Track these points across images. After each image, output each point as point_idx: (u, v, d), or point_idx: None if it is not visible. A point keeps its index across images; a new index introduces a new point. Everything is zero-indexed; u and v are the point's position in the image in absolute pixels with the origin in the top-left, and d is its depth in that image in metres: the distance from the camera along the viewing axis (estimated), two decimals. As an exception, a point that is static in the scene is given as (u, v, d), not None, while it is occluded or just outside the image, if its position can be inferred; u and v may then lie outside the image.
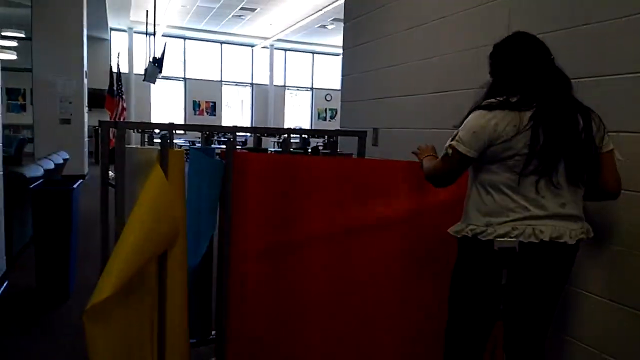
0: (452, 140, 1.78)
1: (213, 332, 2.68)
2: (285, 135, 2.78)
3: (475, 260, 1.80)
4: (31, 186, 3.77)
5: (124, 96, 10.94)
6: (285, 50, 18.64)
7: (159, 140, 2.35)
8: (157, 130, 2.57)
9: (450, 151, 1.78)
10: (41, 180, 4.35)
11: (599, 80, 2.08)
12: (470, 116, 1.76)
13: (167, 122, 2.58)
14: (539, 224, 1.69)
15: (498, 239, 1.70)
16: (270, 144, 13.09)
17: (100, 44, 14.99)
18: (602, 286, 2.09)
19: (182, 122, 16.91)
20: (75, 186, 3.75)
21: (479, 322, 1.87)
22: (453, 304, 1.92)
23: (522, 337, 1.88)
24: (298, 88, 19.37)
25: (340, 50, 4.56)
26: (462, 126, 1.76)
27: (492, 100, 1.73)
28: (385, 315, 2.45)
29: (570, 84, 1.75)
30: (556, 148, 1.66)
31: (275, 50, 18.36)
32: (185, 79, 17.53)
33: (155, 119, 16.23)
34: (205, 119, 17.59)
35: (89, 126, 10.87)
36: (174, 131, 2.47)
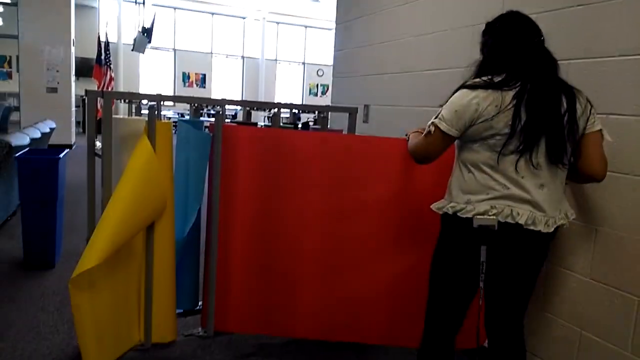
0: (435, 118, 1.80)
1: (200, 303, 2.71)
2: (275, 110, 2.77)
3: (455, 236, 1.84)
4: (17, 155, 3.73)
5: (111, 66, 10.76)
6: (278, 23, 18.40)
7: (146, 112, 2.33)
8: (145, 101, 2.55)
9: (432, 129, 1.80)
10: (27, 149, 4.30)
11: (591, 62, 2.09)
12: (454, 95, 1.77)
13: (155, 93, 2.55)
14: (517, 207, 1.72)
15: (477, 217, 1.73)
16: (261, 119, 13.02)
17: (88, 11, 14.67)
18: (584, 265, 2.12)
19: (171, 94, 16.71)
20: (61, 156, 3.71)
21: (457, 298, 1.92)
22: (433, 279, 1.96)
23: (500, 314, 1.94)
24: (290, 62, 19.18)
25: (333, 25, 4.50)
26: (446, 104, 1.78)
27: (477, 79, 1.75)
28: (373, 282, 2.49)
29: (556, 65, 1.75)
30: (537, 127, 1.67)
31: (267, 23, 18.11)
32: (175, 49, 17.27)
33: (143, 90, 16.01)
34: (195, 91, 17.40)
35: (76, 95, 10.72)
36: (162, 103, 2.45)
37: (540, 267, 1.90)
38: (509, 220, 1.71)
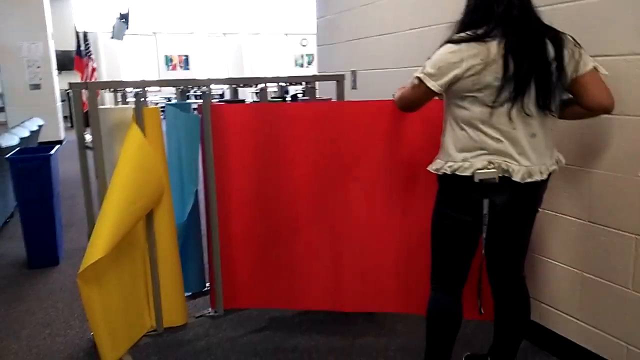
0: (420, 73, 1.80)
1: (207, 285, 2.74)
2: (262, 85, 2.74)
3: (456, 194, 1.85)
4: (7, 156, 3.70)
5: (92, 56, 10.58)
6: (256, -4, 18.03)
7: (133, 99, 2.30)
8: (130, 89, 2.52)
9: (416, 82, 1.82)
10: (17, 148, 4.27)
11: (575, 5, 2.06)
12: (438, 50, 1.76)
13: (139, 79, 2.52)
14: (511, 163, 1.73)
15: (478, 171, 1.73)
16: (249, 96, 12.90)
17: (63, 3, 14.33)
18: (582, 209, 2.15)
19: (156, 79, 16.50)
20: (52, 152, 3.69)
21: (461, 254, 1.94)
22: (436, 238, 1.97)
23: (503, 263, 1.99)
24: (272, 34, 18.90)
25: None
26: (430, 59, 1.78)
27: (462, 34, 1.74)
28: (377, 248, 2.51)
29: (535, 13, 1.72)
30: (526, 72, 1.67)
31: (245, -3, 17.75)
32: (155, 33, 16.96)
33: (127, 78, 15.80)
34: (180, 74, 17.15)
35: (60, 90, 10.57)
36: (147, 88, 2.42)
37: (536, 212, 1.93)
38: (506, 175, 1.74)
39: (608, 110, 1.78)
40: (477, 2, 1.76)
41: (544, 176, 1.77)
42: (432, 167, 1.90)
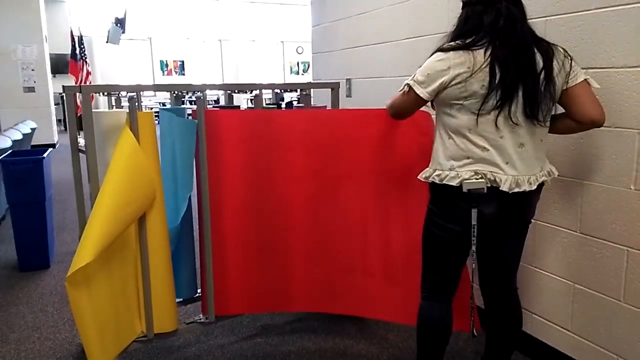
0: (410, 79, 1.83)
1: (199, 291, 2.72)
2: (257, 91, 2.74)
3: (446, 203, 1.85)
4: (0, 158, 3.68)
5: (87, 60, 10.55)
6: (252, 2, 18.09)
7: (127, 104, 2.30)
8: (124, 93, 2.51)
9: (407, 89, 1.85)
10: (10, 151, 4.24)
11: (568, 17, 2.09)
12: (428, 59, 1.79)
13: (134, 84, 2.51)
14: (498, 173, 1.74)
15: (466, 182, 1.74)
16: (243, 102, 12.91)
17: (58, 6, 14.30)
18: (573, 220, 2.16)
19: (150, 83, 16.46)
20: (44, 155, 3.67)
21: (451, 264, 1.94)
22: (427, 247, 1.97)
23: (495, 274, 1.99)
24: (268, 42, 18.94)
25: (309, 0, 4.44)
26: (420, 67, 1.81)
27: (451, 43, 1.77)
28: (368, 254, 2.52)
29: (524, 22, 1.74)
30: (512, 80, 1.68)
31: (241, 3, 17.80)
32: (150, 38, 16.97)
33: (122, 82, 15.75)
34: (175, 79, 17.16)
35: (55, 93, 10.55)
36: (142, 93, 2.42)
37: (528, 224, 1.94)
38: (494, 185, 1.74)
39: (598, 123, 1.78)
40: (468, 13, 1.78)
41: (533, 187, 1.77)
42: (422, 175, 1.91)
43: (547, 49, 1.73)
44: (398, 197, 2.45)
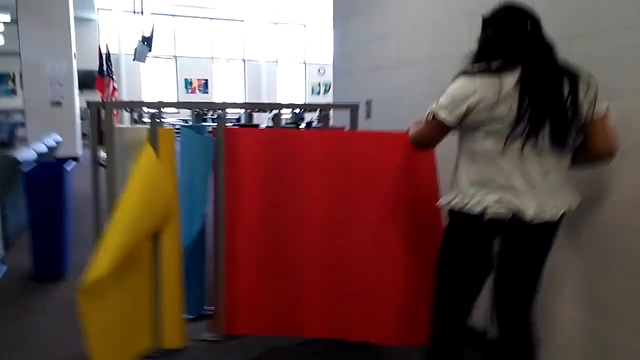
0: (433, 106, 1.79)
1: (205, 308, 2.71)
2: (276, 110, 2.76)
3: (465, 230, 1.82)
4: (24, 169, 3.75)
5: (114, 76, 10.80)
6: (277, 23, 18.39)
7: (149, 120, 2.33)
8: (146, 109, 2.55)
9: (430, 116, 1.81)
10: (34, 163, 4.33)
11: (595, 38, 2.06)
12: (452, 83, 1.76)
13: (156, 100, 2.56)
14: (522, 200, 1.70)
15: (488, 210, 1.71)
16: (264, 121, 13.02)
17: (87, 24, 14.72)
18: (594, 254, 2.10)
19: (174, 101, 16.70)
20: (66, 168, 3.73)
21: (467, 293, 1.90)
22: (442, 273, 1.93)
23: (512, 305, 1.91)
24: (291, 62, 19.17)
25: (332, 23, 4.49)
26: (444, 93, 1.77)
27: (475, 67, 1.74)
28: (383, 280, 2.47)
29: (553, 49, 1.72)
30: (541, 110, 1.65)
31: (265, 24, 18.10)
32: (175, 57, 17.32)
33: (147, 99, 16.06)
34: (198, 97, 17.40)
35: (81, 108, 10.77)
36: (164, 110, 2.45)
37: (547, 254, 1.87)
38: (517, 214, 1.70)
39: (613, 155, 1.75)
40: (491, 36, 1.76)
41: (556, 217, 1.73)
42: (442, 201, 1.87)
43: (573, 75, 1.70)
44: (414, 222, 2.42)
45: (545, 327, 2.29)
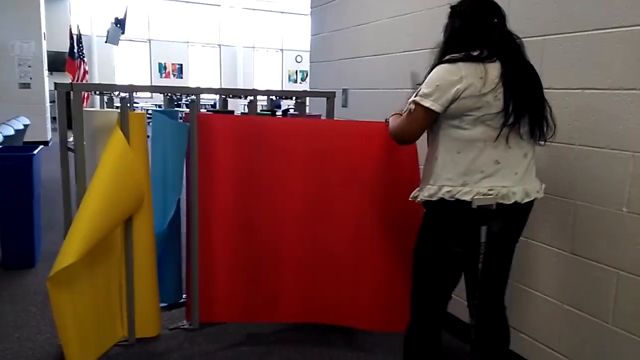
0: (415, 96, 1.77)
1: (184, 296, 2.68)
2: (252, 97, 2.72)
3: (451, 222, 1.81)
4: (-11, 153, 3.63)
5: (85, 59, 10.52)
6: (253, 9, 18.16)
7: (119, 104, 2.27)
8: (118, 93, 2.49)
9: (412, 107, 1.77)
10: (0, 147, 4.20)
11: (565, 37, 2.08)
12: (433, 71, 1.75)
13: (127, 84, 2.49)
14: (510, 186, 1.73)
15: (476, 198, 1.71)
16: (240, 107, 12.88)
17: (58, 4, 14.27)
18: (565, 240, 2.14)
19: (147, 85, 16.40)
20: (34, 152, 3.63)
21: (448, 282, 1.92)
22: (422, 264, 1.93)
23: (492, 293, 1.93)
24: (267, 49, 18.99)
25: (309, 10, 4.44)
26: (425, 81, 1.76)
27: (455, 54, 1.73)
28: (356, 265, 2.49)
29: (523, 44, 1.78)
30: (526, 100, 1.71)
31: (242, 10, 17.87)
32: (150, 40, 16.97)
33: (119, 83, 15.73)
34: (172, 82, 17.12)
35: (50, 90, 10.49)
36: (136, 94, 2.39)
37: (518, 239, 1.91)
38: (505, 201, 1.72)
39: None
40: (459, 26, 1.78)
41: (540, 194, 1.80)
42: (423, 195, 1.83)
43: (533, 68, 1.78)
44: (391, 208, 2.43)
45: (518, 311, 2.34)
